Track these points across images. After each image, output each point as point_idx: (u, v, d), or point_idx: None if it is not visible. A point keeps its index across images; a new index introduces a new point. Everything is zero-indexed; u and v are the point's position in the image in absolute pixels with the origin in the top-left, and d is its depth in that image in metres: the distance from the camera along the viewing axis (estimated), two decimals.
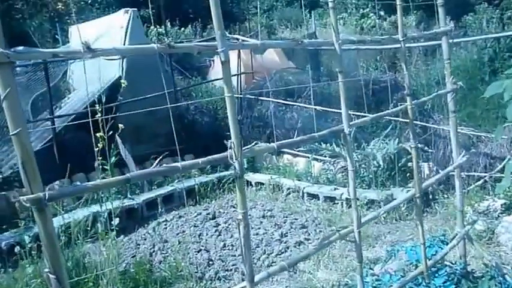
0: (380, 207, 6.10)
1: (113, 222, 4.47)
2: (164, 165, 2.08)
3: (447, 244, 4.10)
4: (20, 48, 1.62)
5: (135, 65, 7.13)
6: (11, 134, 1.69)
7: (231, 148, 2.28)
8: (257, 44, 2.46)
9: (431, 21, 19.17)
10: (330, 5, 2.87)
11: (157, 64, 6.83)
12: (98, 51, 1.79)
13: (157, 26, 16.51)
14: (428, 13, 18.90)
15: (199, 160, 2.21)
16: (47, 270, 1.77)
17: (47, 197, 1.70)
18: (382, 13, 23.64)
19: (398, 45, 3.59)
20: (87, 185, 1.84)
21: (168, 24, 18.06)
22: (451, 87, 4.07)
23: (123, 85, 5.00)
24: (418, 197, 3.58)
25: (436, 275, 3.65)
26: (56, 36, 10.56)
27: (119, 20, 7.34)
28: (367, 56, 12.37)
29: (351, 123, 3.00)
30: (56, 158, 6.66)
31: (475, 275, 4.13)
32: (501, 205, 5.76)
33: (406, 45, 3.65)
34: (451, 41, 4.34)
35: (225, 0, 27.55)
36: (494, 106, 8.45)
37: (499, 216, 5.57)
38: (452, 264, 4.01)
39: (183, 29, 19.09)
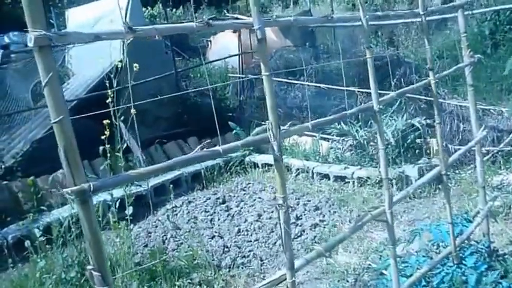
0: (392, 185, 6.06)
1: (126, 212, 4.35)
2: (205, 149, 1.97)
3: (470, 222, 4.04)
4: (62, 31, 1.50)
5: (137, 48, 6.94)
6: (52, 121, 1.57)
7: (269, 129, 2.17)
8: (290, 21, 2.33)
9: None
10: None
11: (158, 46, 6.66)
12: (139, 31, 1.66)
13: (149, 8, 16.24)
14: None
15: (239, 142, 2.11)
16: (90, 267, 1.67)
17: (91, 188, 1.58)
18: None
19: (418, 19, 3.50)
20: (130, 173, 1.73)
21: (160, 5, 17.78)
22: (469, 61, 3.98)
23: (135, 68, 4.82)
24: (444, 173, 3.50)
25: (465, 254, 3.58)
26: (51, 20, 10.30)
27: (118, 2, 7.12)
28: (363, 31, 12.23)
29: (380, 99, 2.89)
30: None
31: (499, 253, 4.08)
32: None
33: (428, 18, 3.54)
34: (467, 13, 4.24)
35: None
36: (497, 79, 8.38)
37: None
38: (477, 242, 3.94)
39: (174, 10, 18.80)
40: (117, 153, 4.74)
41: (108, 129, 4.32)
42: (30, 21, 1.49)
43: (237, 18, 8.90)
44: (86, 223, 1.62)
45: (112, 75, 5.17)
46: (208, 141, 2.85)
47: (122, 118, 4.95)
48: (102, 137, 4.42)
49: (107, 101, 4.28)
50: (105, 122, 4.45)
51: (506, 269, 3.18)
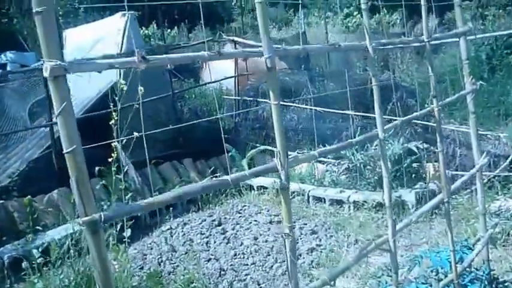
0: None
1: (124, 234, 4.31)
2: (214, 179, 1.96)
3: (470, 249, 4.03)
4: (76, 60, 1.49)
5: (134, 68, 6.98)
6: (65, 151, 1.56)
7: (277, 157, 2.16)
8: (299, 49, 2.34)
9: (412, 18, 19.32)
10: (363, 6, 2.77)
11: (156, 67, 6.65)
12: (152, 60, 1.66)
13: (144, 28, 16.31)
14: (409, 10, 19.02)
15: (247, 172, 2.09)
16: None
17: (102, 219, 1.56)
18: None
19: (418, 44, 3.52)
20: (141, 203, 1.71)
21: (155, 25, 17.88)
22: (471, 88, 4.01)
23: (140, 92, 4.83)
24: (447, 201, 3.50)
25: (465, 281, 3.56)
26: None
27: (116, 23, 7.16)
28: (358, 55, 12.36)
29: (385, 127, 2.90)
30: (54, 165, 6.45)
31: (499, 280, 4.07)
32: None
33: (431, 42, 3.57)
34: (471, 37, 4.29)
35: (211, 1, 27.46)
36: (494, 104, 8.47)
37: (511, 216, 5.53)
38: (477, 269, 3.93)
39: (169, 30, 18.90)
40: (117, 175, 4.73)
41: (111, 152, 4.31)
42: (46, 51, 1.48)
43: (233, 41, 8.98)
44: (95, 252, 1.59)
45: (110, 95, 5.17)
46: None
47: (124, 142, 4.94)
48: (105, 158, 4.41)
49: (110, 123, 4.27)
50: (113, 145, 4.48)
51: None
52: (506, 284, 3.95)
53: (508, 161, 6.67)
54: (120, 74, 7.32)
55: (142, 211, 1.72)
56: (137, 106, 4.79)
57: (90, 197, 1.58)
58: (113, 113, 4.29)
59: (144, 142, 2.52)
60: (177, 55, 1.81)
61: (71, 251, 4.48)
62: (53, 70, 1.47)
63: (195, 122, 7.71)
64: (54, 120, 7.05)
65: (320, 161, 7.48)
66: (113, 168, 4.75)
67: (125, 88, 4.77)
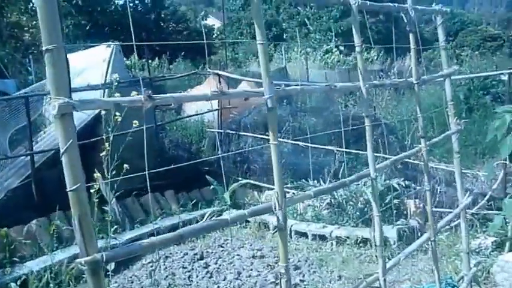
0: (371, 246, 6.07)
1: (108, 267, 4.22)
2: (213, 218, 1.95)
3: (454, 286, 4.05)
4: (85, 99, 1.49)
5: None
6: (68, 189, 1.54)
7: (275, 198, 2.17)
8: (298, 89, 2.38)
9: (389, 55, 19.82)
10: (357, 49, 2.83)
11: None
12: (157, 99, 1.66)
13: (125, 59, 16.33)
14: (386, 48, 19.54)
15: (246, 211, 2.10)
16: None
17: (104, 259, 1.53)
18: (342, 48, 24.39)
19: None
20: (142, 243, 1.69)
21: (136, 56, 17.93)
22: (456, 128, 4.11)
23: (134, 125, 4.81)
24: (433, 240, 3.53)
25: None
26: (29, 68, 10.24)
27: (102, 54, 7.17)
28: (340, 92, 12.56)
29: (376, 166, 2.93)
30: (34, 195, 6.32)
31: None
32: (492, 242, 5.80)
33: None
34: (454, 77, 4.40)
35: (192, 34, 27.82)
36: (472, 142, 8.68)
37: (490, 254, 5.60)
38: None
39: (150, 61, 18.99)
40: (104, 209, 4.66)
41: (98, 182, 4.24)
42: (54, 88, 1.48)
43: (217, 74, 9.05)
44: None
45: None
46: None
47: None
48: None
49: (101, 154, 4.22)
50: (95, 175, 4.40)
51: None
52: None
53: (485, 199, 6.78)
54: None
55: (143, 252, 1.69)
56: (129, 138, 4.81)
57: (92, 237, 1.56)
58: (106, 144, 4.23)
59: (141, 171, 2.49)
60: (180, 94, 1.82)
61: (51, 284, 4.37)
62: (61, 108, 1.46)
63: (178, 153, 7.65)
64: (34, 149, 6.96)
65: None
66: (95, 200, 4.68)
67: (119, 119, 4.75)
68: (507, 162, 5.55)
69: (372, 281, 3.01)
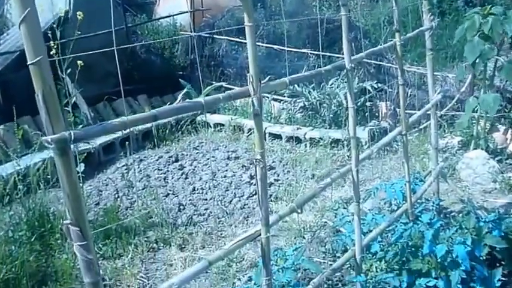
0: (344, 147, 6.19)
1: (77, 169, 4.20)
2: (187, 101, 1.91)
3: (421, 181, 4.18)
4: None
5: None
6: (29, 63, 1.43)
7: (250, 82, 2.12)
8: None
9: None
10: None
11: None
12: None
13: None
14: None
15: (220, 95, 2.04)
16: (67, 221, 1.57)
17: (72, 137, 1.48)
18: None
19: None
20: (113, 122, 1.64)
21: None
22: (429, 25, 4.05)
23: (78, 17, 4.64)
24: (404, 134, 3.58)
25: (419, 212, 3.72)
26: None
27: None
28: None
29: (352, 58, 2.89)
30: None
31: (447, 210, 4.29)
32: (458, 142, 5.97)
33: None
34: None
35: None
36: (443, 46, 8.68)
37: (456, 152, 5.77)
38: (428, 200, 4.11)
39: None
40: (66, 108, 4.56)
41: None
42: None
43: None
44: (64, 175, 1.51)
45: (56, 27, 4.91)
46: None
47: (69, 71, 4.72)
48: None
49: (51, 53, 4.06)
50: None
51: (461, 226, 3.33)
52: (452, 213, 4.18)
53: (454, 101, 6.88)
54: (70, 3, 6.98)
55: (115, 130, 1.64)
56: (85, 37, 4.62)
57: (58, 114, 1.48)
58: (52, 43, 4.09)
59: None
60: None
61: (19, 186, 4.35)
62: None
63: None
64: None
65: (276, 99, 7.48)
66: (63, 102, 4.57)
67: (80, 18, 4.57)
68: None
69: (345, 171, 3.07)
